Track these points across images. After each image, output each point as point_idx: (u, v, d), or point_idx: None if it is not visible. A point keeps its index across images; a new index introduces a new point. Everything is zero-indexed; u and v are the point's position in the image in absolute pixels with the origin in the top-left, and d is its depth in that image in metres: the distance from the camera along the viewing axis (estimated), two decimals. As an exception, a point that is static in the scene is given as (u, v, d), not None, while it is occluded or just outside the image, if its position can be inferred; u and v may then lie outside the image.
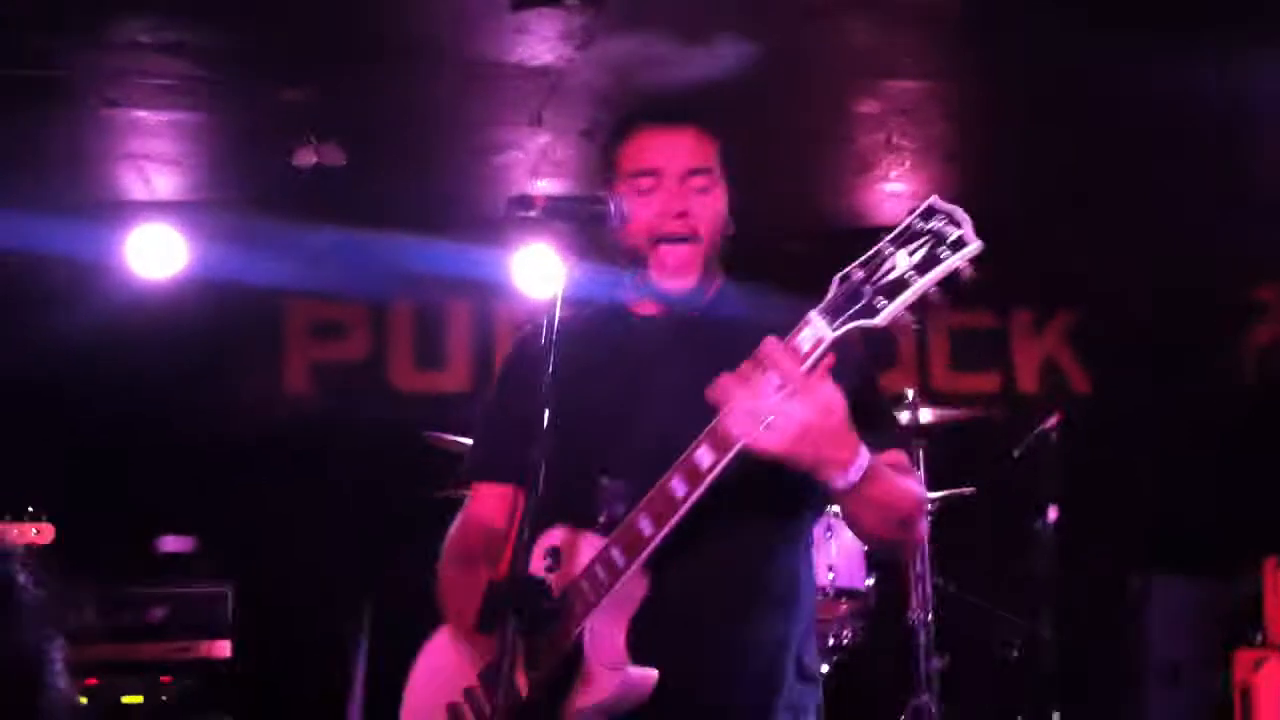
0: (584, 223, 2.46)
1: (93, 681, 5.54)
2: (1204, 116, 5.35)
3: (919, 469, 5.74)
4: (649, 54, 4.57)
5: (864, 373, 2.56)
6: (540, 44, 4.65)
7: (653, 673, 2.38)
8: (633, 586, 2.37)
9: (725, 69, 4.61)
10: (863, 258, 2.13)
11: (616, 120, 2.70)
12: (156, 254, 6.43)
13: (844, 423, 2.20)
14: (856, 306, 2.11)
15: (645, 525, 2.31)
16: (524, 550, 2.21)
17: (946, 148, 5.91)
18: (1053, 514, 5.97)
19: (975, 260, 2.07)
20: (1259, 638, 5.49)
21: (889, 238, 2.11)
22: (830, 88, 5.18)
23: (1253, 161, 5.94)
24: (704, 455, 2.25)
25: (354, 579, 6.27)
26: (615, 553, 2.35)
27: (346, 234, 6.09)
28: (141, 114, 5.38)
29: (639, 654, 2.39)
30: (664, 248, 2.54)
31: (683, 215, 2.53)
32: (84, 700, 5.33)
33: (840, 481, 2.23)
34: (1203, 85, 5.01)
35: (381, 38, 4.67)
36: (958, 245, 2.06)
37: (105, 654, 5.60)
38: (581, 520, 2.43)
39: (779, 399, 2.15)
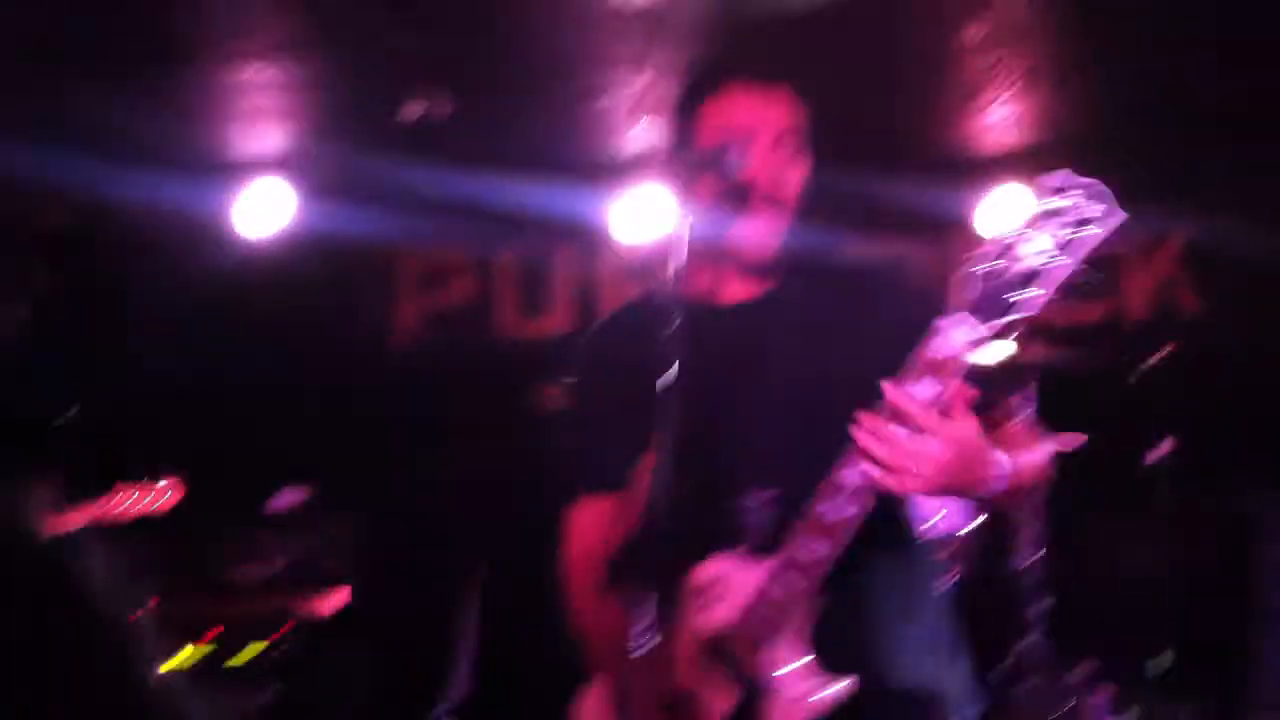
0: (703, 171, 2.40)
1: (210, 636, 5.65)
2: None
3: (1030, 407, 5.67)
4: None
5: None
6: (643, -17, 4.64)
7: (851, 681, 2.33)
8: (810, 603, 2.33)
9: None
10: (1001, 247, 2.06)
11: (700, 75, 2.59)
12: (266, 209, 6.55)
13: (980, 450, 2.18)
14: (1002, 301, 2.05)
15: (816, 546, 2.25)
16: (655, 505, 2.18)
17: (1053, 71, 5.79)
18: (1167, 446, 5.88)
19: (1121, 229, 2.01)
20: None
21: (1026, 222, 2.04)
22: (938, 8, 5.10)
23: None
24: (845, 507, 2.21)
25: (470, 527, 6.36)
26: (792, 577, 2.29)
27: (452, 182, 6.14)
28: (251, 70, 5.45)
29: (824, 665, 2.35)
30: (751, 218, 2.46)
31: (775, 182, 2.47)
32: (183, 664, 5.42)
33: (984, 495, 2.23)
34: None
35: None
36: (1100, 216, 2.00)
37: (226, 608, 5.72)
38: (716, 539, 2.39)
39: (911, 444, 2.12)
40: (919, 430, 2.12)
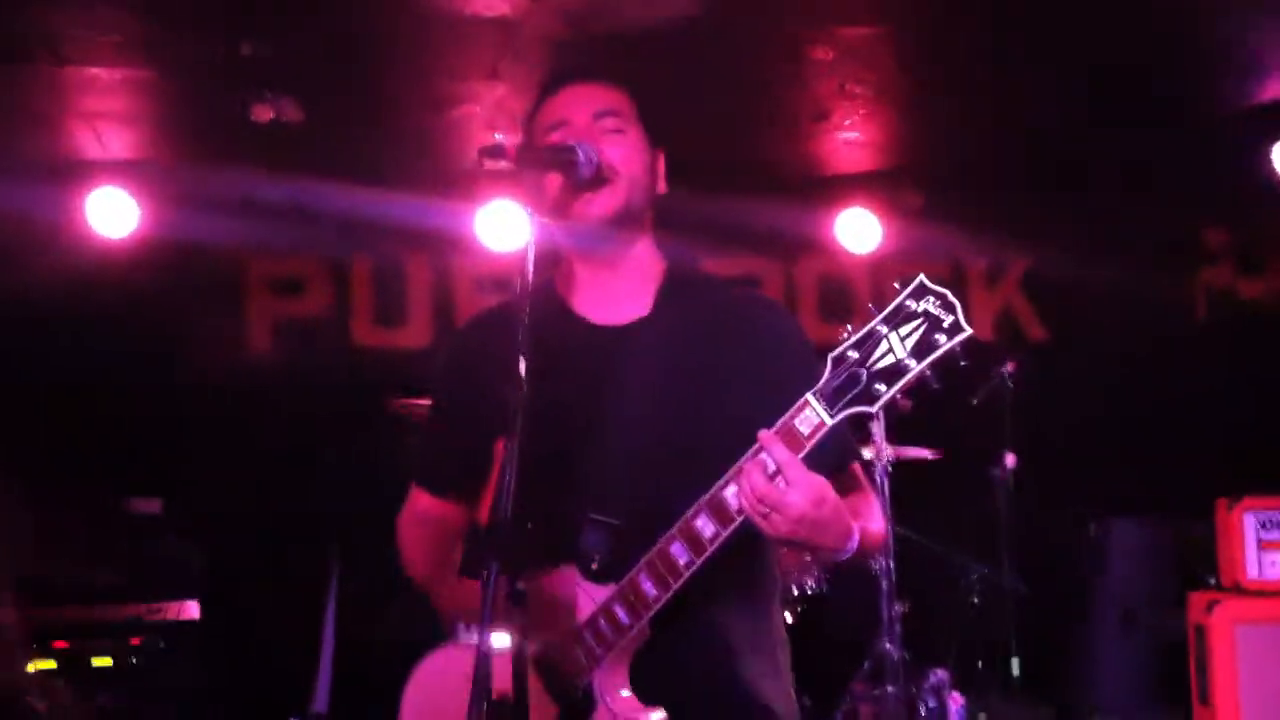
0: (554, 170, 2.42)
1: (62, 645, 5.52)
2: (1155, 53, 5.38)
3: (879, 420, 5.79)
4: (602, 2, 4.55)
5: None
6: (496, -7, 4.64)
7: (661, 714, 2.39)
8: (636, 634, 2.38)
9: (679, 13, 4.59)
10: (856, 337, 2.16)
11: (540, 87, 2.66)
12: (112, 213, 6.39)
13: (836, 511, 2.24)
14: (854, 392, 2.15)
15: (649, 587, 2.32)
16: (506, 495, 2.16)
17: (900, 95, 5.92)
18: (1010, 461, 6.03)
19: (966, 345, 2.11)
20: (1212, 580, 5.57)
21: (881, 318, 2.14)
22: (784, 33, 5.18)
23: (1200, 102, 6.00)
24: (705, 525, 2.27)
25: (320, 537, 6.28)
26: (620, 611, 2.35)
27: (304, 189, 6.06)
28: (95, 71, 5.33)
29: (640, 696, 2.40)
30: (583, 194, 2.47)
31: (598, 154, 2.47)
32: (35, 671, 5.32)
33: (831, 560, 2.30)
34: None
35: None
36: (952, 330, 2.10)
37: (75, 617, 5.59)
38: (556, 551, 2.40)
39: (777, 490, 2.18)
40: (785, 480, 2.18)
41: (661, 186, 2.62)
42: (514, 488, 2.14)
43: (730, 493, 2.24)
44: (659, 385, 2.49)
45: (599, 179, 2.46)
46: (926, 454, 5.84)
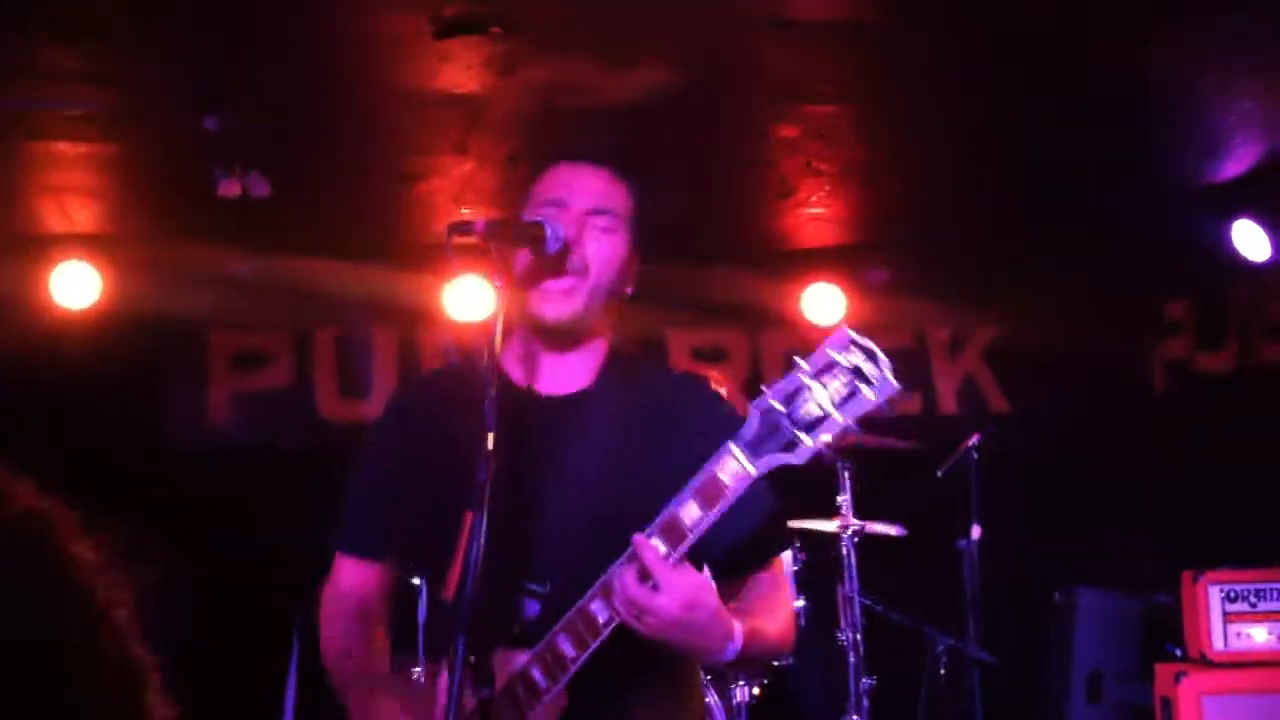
0: (522, 246, 2.40)
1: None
2: (1121, 139, 5.46)
3: (845, 493, 5.80)
4: (571, 80, 4.59)
5: (760, 497, 2.47)
6: (464, 71, 4.65)
7: None
8: (552, 701, 2.34)
9: (646, 94, 4.64)
10: (778, 385, 2.12)
11: (539, 156, 2.68)
12: (76, 286, 6.36)
13: (712, 614, 2.23)
14: (777, 440, 2.12)
15: (567, 647, 2.30)
16: (473, 569, 2.15)
17: (864, 171, 5.99)
18: (976, 532, 6.04)
19: (891, 399, 2.08)
20: (1178, 651, 5.58)
21: (806, 369, 2.10)
22: (752, 111, 5.24)
23: (1164, 177, 6.09)
24: (599, 610, 2.26)
25: (282, 609, 6.21)
26: (537, 673, 2.32)
27: (269, 263, 6.05)
28: (61, 145, 5.32)
29: None
30: (549, 280, 2.45)
31: (582, 248, 2.46)
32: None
33: (712, 660, 2.31)
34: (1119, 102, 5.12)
35: (305, 66, 4.65)
36: (880, 384, 2.06)
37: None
38: (492, 625, 2.34)
39: (646, 594, 2.17)
40: (656, 584, 2.16)
41: (629, 289, 2.59)
42: (481, 562, 2.13)
43: (599, 603, 2.24)
44: (595, 458, 2.48)
45: (564, 258, 2.44)
46: (892, 531, 5.85)
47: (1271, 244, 6.20)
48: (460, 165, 5.60)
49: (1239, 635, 5.24)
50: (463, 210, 6.02)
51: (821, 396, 2.07)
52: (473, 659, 2.12)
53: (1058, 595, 6.44)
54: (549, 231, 2.41)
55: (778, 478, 2.28)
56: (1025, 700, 6.36)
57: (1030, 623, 6.48)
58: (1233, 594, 5.24)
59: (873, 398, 2.05)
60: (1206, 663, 5.26)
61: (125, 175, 5.72)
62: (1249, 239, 6.25)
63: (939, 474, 6.03)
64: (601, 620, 2.26)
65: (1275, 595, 5.22)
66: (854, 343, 2.08)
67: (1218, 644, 5.30)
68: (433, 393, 2.70)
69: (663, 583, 2.16)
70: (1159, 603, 6.01)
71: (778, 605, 2.53)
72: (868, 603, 5.86)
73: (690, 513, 2.19)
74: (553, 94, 4.66)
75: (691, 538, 2.20)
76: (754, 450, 2.13)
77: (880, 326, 7.06)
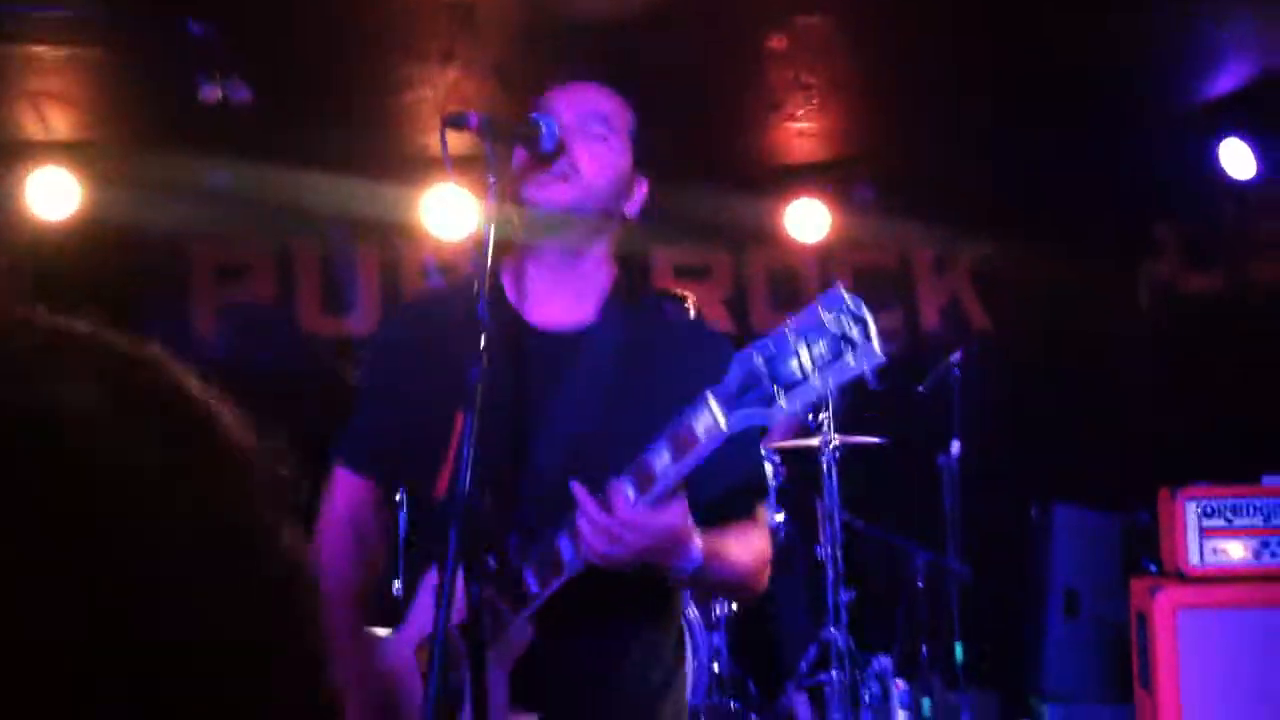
0: (518, 143, 2.37)
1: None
2: (1104, 46, 5.43)
3: (826, 409, 5.81)
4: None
5: (743, 449, 2.47)
6: (451, -25, 4.60)
7: (533, 718, 2.36)
8: (518, 633, 2.34)
9: (633, 4, 4.58)
10: (765, 340, 2.04)
11: (536, 82, 2.61)
12: (54, 195, 6.30)
13: (677, 541, 2.22)
14: (754, 396, 2.05)
15: (531, 582, 2.31)
16: (465, 467, 2.14)
17: (853, 85, 5.95)
18: (956, 448, 6.08)
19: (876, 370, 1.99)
20: (1154, 566, 5.64)
21: (793, 324, 2.01)
22: (740, 22, 5.18)
23: (1151, 96, 6.07)
24: (565, 548, 2.25)
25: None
26: (502, 605, 2.33)
27: (250, 174, 5.99)
28: (38, 49, 5.24)
29: (522, 699, 2.36)
30: (540, 175, 2.41)
31: (576, 153, 2.42)
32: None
33: (673, 576, 2.30)
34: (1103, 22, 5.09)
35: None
36: (865, 353, 1.96)
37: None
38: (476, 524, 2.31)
39: (618, 528, 2.15)
40: (625, 526, 2.15)
41: (632, 210, 2.55)
42: (471, 460, 2.12)
43: (583, 540, 2.21)
44: (592, 396, 2.46)
45: (559, 157, 2.40)
46: (873, 440, 5.88)
47: (1258, 162, 6.20)
48: (446, 74, 5.53)
49: (1215, 551, 5.29)
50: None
51: (805, 358, 1.99)
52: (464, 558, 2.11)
53: (1035, 511, 6.51)
54: (544, 129, 2.37)
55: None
56: (1003, 614, 6.44)
57: (1009, 538, 6.55)
58: (1209, 509, 5.29)
59: (854, 365, 1.96)
60: (1183, 577, 5.32)
61: (105, 80, 5.64)
62: (1237, 158, 6.25)
63: (920, 389, 6.06)
64: (565, 558, 2.26)
65: (1252, 511, 5.26)
66: (845, 305, 1.99)
67: (1194, 559, 5.35)
68: (419, 318, 2.69)
69: (621, 533, 2.15)
70: (1136, 519, 6.07)
71: (750, 540, 2.50)
72: (847, 517, 5.91)
73: (661, 460, 2.15)
74: (541, 2, 4.60)
75: (660, 485, 2.16)
76: (730, 405, 2.07)
77: (865, 244, 7.08)
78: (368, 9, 4.88)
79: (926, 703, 6.09)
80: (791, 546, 5.93)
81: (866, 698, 5.86)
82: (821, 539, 5.87)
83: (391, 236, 6.80)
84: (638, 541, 2.16)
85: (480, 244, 2.28)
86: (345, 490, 2.66)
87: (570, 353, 2.51)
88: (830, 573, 5.77)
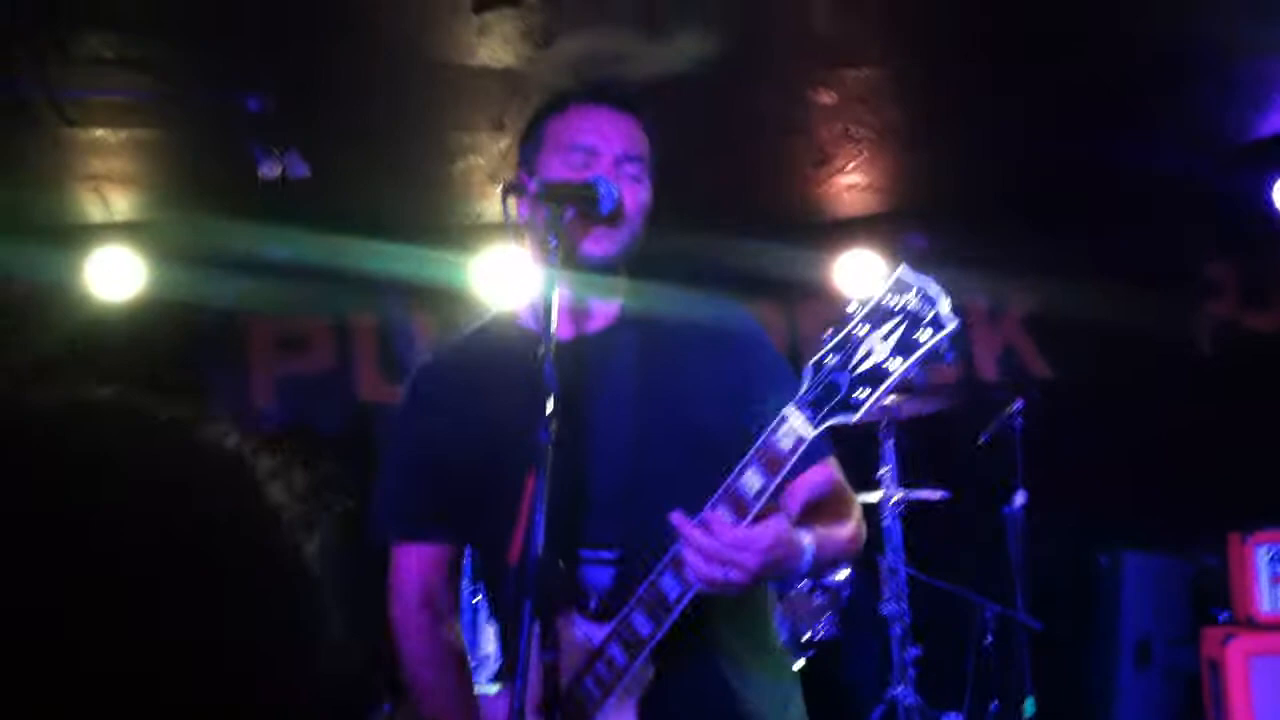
0: (577, 205, 2.38)
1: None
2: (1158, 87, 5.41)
3: (888, 463, 5.78)
4: (609, 49, 4.57)
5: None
6: (502, 44, 4.64)
7: None
8: (638, 674, 2.31)
9: (686, 62, 4.62)
10: (835, 341, 2.05)
11: (551, 96, 2.63)
12: (116, 275, 6.39)
13: (790, 544, 2.17)
14: (836, 399, 2.05)
15: (642, 624, 2.26)
16: (536, 532, 2.11)
17: (902, 137, 5.96)
18: (1020, 499, 6.02)
19: (953, 337, 1.99)
20: (1225, 614, 5.56)
21: (861, 315, 2.02)
22: (789, 77, 5.21)
23: (1197, 138, 6.04)
24: (670, 586, 2.21)
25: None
26: (615, 651, 2.29)
27: (307, 246, 6.06)
28: (100, 133, 5.34)
29: None
30: (594, 230, 2.44)
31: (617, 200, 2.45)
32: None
33: (788, 577, 2.30)
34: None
35: (343, 41, 4.64)
36: (935, 324, 1.97)
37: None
38: (557, 589, 2.30)
39: (722, 568, 2.10)
40: (728, 559, 2.10)
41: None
42: (544, 524, 2.10)
43: (692, 568, 2.16)
44: (629, 394, 2.44)
45: (615, 216, 2.43)
46: (936, 495, 5.83)
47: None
48: (498, 142, 5.59)
49: (1287, 596, 5.22)
50: (498, 188, 6.00)
51: (878, 346, 1.99)
52: (538, 625, 2.08)
53: (1103, 560, 6.42)
54: (603, 190, 2.39)
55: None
56: (1073, 666, 6.33)
57: (1077, 589, 6.45)
58: (1280, 555, 5.23)
59: (929, 340, 1.96)
60: (1254, 624, 5.24)
61: (165, 160, 5.73)
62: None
63: (982, 439, 6.01)
64: (673, 596, 2.21)
65: (1323, 555, 5.20)
66: (909, 284, 2.00)
67: (1265, 606, 5.28)
68: (461, 358, 2.66)
69: (734, 555, 2.10)
70: (1206, 565, 5.98)
71: (841, 506, 2.47)
72: (912, 572, 5.85)
73: (751, 483, 2.14)
74: (591, 65, 4.64)
75: (757, 506, 2.15)
76: (813, 411, 2.07)
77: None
78: (421, 79, 4.94)
79: (1000, 758, 6.00)
80: (858, 603, 5.88)
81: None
82: (885, 595, 5.82)
83: (446, 302, 6.84)
84: (750, 560, 2.10)
85: (545, 306, 2.29)
86: (409, 564, 2.58)
87: (600, 353, 2.50)
88: (897, 629, 5.71)
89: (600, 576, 2.36)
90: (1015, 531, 6.00)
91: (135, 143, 5.48)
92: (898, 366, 1.99)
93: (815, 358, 2.07)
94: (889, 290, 2.01)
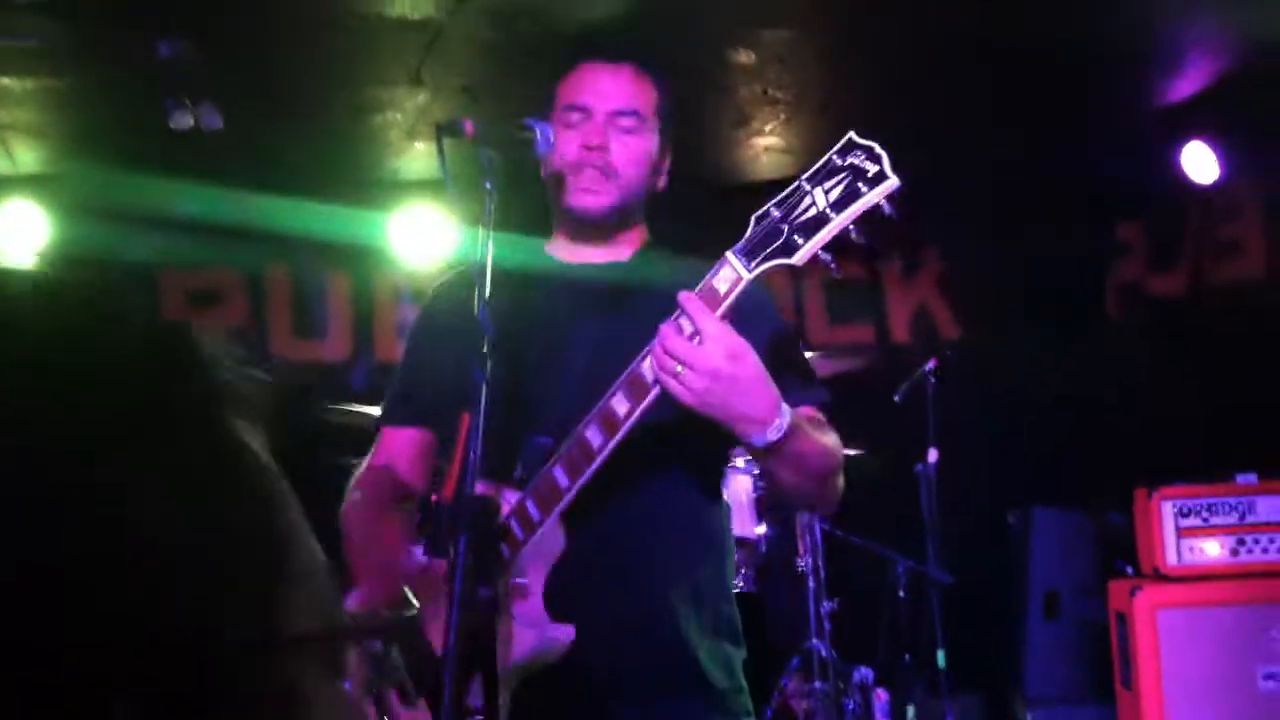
0: (511, 149, 2.38)
1: None
2: (1069, 51, 5.47)
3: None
4: (525, 4, 4.54)
5: (780, 324, 2.55)
6: (420, -4, 4.60)
7: (569, 629, 2.33)
8: (551, 540, 2.32)
9: (604, 15, 4.59)
10: (780, 196, 2.10)
11: (562, 54, 2.69)
12: (21, 230, 6.25)
13: (755, 374, 2.13)
14: (774, 245, 2.08)
15: (561, 477, 2.27)
16: (472, 468, 2.12)
17: (821, 100, 5.97)
18: (933, 456, 6.10)
19: (892, 197, 2.03)
20: (1131, 568, 5.67)
21: (807, 175, 2.07)
22: (707, 37, 5.20)
23: (1115, 99, 6.11)
24: (620, 402, 2.20)
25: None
26: (530, 506, 2.29)
27: (220, 200, 5.96)
28: (5, 82, 5.21)
29: (557, 607, 2.34)
30: (578, 175, 2.51)
31: (601, 149, 2.51)
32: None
33: (759, 439, 2.16)
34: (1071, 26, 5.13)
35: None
36: (876, 180, 2.02)
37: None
38: (501, 476, 2.34)
39: (688, 344, 2.10)
40: (701, 338, 2.10)
41: (661, 184, 2.65)
42: (478, 464, 2.11)
43: (646, 365, 2.17)
44: (618, 324, 2.48)
45: (596, 156, 2.50)
46: (850, 453, 5.88)
47: (1220, 165, 6.26)
48: (414, 96, 5.53)
49: (1192, 550, 5.33)
50: (415, 144, 5.95)
51: (820, 200, 2.05)
52: (473, 559, 2.08)
53: (1012, 516, 6.54)
54: (539, 133, 2.39)
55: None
56: (985, 619, 6.45)
57: (988, 544, 6.57)
58: (1185, 509, 5.33)
59: (869, 194, 2.02)
60: (1160, 577, 5.35)
61: (72, 110, 5.61)
62: (1199, 162, 6.31)
63: (895, 398, 6.08)
64: (595, 445, 2.23)
65: (1227, 510, 5.31)
66: (855, 145, 2.06)
67: (1171, 559, 5.39)
68: (456, 292, 2.69)
69: (707, 333, 2.09)
70: (1112, 521, 6.11)
71: (823, 426, 2.46)
72: (827, 528, 5.92)
73: (687, 326, 2.14)
74: (509, 19, 4.60)
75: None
76: (748, 258, 2.11)
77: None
78: (335, 32, 4.87)
79: (910, 710, 6.10)
80: (774, 557, 5.94)
81: (850, 707, 5.86)
82: (802, 550, 5.88)
83: (361, 259, 6.78)
84: (711, 359, 2.08)
85: (481, 248, 2.29)
86: (384, 446, 2.70)
87: (598, 283, 2.57)
88: (812, 583, 5.78)
89: (536, 455, 2.37)
90: (928, 488, 6.08)
91: (42, 91, 5.35)
92: (837, 216, 2.04)
93: (759, 211, 2.12)
94: (836, 152, 2.07)
